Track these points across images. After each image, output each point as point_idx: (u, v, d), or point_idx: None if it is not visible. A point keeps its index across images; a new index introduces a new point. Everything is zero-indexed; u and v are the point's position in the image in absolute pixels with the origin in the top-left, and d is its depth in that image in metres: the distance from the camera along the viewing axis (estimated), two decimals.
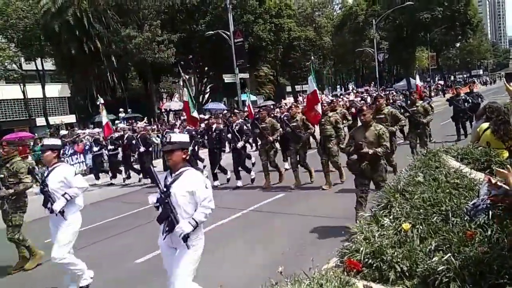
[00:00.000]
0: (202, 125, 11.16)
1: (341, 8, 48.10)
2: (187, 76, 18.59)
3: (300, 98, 31.63)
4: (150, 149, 12.13)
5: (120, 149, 12.32)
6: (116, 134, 12.80)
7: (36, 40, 28.01)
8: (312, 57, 9.72)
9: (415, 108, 8.68)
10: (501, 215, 2.37)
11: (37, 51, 28.84)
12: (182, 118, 22.84)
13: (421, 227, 2.44)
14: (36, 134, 23.66)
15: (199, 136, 10.65)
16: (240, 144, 9.22)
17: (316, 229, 5.95)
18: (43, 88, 31.33)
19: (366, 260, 2.19)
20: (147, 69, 27.07)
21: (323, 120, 8.16)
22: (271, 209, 7.42)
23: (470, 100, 12.17)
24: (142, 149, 11.12)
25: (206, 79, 34.30)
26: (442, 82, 52.50)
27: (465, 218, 2.45)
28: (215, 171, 9.74)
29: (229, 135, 9.53)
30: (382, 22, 39.66)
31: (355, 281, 2.00)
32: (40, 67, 31.03)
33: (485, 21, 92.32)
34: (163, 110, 31.69)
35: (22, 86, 30.33)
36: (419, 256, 2.17)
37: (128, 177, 12.06)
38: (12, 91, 32.31)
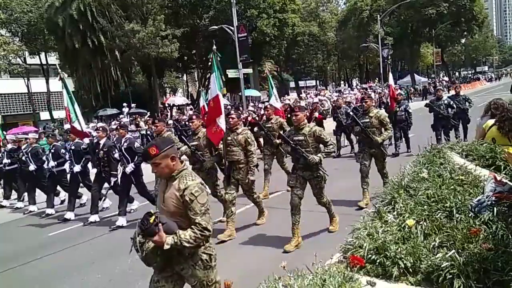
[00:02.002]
0: (86, 140, 8.31)
1: (346, 3, 47.80)
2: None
3: (303, 94, 31.59)
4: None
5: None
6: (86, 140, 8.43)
7: (40, 34, 28.10)
8: (214, 46, 6.26)
9: (368, 120, 6.59)
10: (506, 212, 2.36)
11: (41, 45, 28.94)
12: (188, 112, 22.86)
13: (425, 223, 2.43)
14: (40, 128, 23.77)
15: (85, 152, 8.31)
16: (129, 168, 7.09)
17: (319, 225, 5.96)
18: (47, 82, 31.43)
19: (370, 256, 2.18)
20: (151, 63, 27.06)
21: (229, 138, 5.89)
22: (273, 204, 7.43)
23: (454, 105, 10.11)
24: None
25: (209, 74, 34.21)
26: (446, 79, 52.24)
27: (470, 215, 2.44)
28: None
29: (117, 154, 7.44)
30: (386, 18, 39.39)
31: (359, 277, 2.00)
32: (44, 61, 31.10)
33: (491, 17, 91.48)
34: (166, 105, 31.70)
35: (26, 80, 30.44)
36: (423, 252, 2.16)
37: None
38: (16, 85, 32.44)
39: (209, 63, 30.26)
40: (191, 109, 25.01)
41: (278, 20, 30.40)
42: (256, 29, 29.07)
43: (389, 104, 11.35)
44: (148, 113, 22.68)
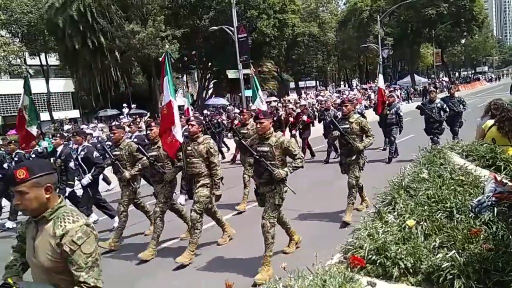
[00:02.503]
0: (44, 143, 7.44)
1: (346, 3, 47.84)
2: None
3: (304, 95, 31.61)
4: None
5: None
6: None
7: (40, 35, 28.14)
8: (167, 45, 5.58)
9: (348, 126, 6.10)
10: (506, 212, 2.37)
11: (41, 46, 28.96)
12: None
13: (425, 223, 2.43)
14: (39, 129, 23.75)
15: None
16: (85, 180, 6.57)
17: (319, 225, 5.96)
18: (47, 83, 31.45)
19: (370, 256, 2.18)
20: (151, 64, 27.08)
21: (189, 149, 5.19)
22: None
23: (447, 109, 9.48)
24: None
25: (209, 74, 34.27)
26: (446, 79, 52.26)
27: (470, 215, 2.44)
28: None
29: (72, 164, 6.86)
30: (386, 18, 39.41)
31: (359, 277, 2.00)
32: (44, 62, 31.13)
33: (490, 18, 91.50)
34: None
35: None
36: (423, 252, 2.16)
37: None
38: (17, 86, 32.45)
39: (181, 65, 30.15)
40: (191, 109, 24.99)
41: (278, 21, 30.43)
42: (256, 30, 29.10)
43: (378, 107, 10.80)
44: (148, 114, 22.69)
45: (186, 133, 7.42)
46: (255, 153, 4.49)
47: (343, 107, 6.35)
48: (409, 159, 3.88)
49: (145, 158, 5.81)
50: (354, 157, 6.05)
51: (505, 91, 27.76)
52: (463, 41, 53.05)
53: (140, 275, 5.00)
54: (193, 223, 5.09)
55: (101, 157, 7.05)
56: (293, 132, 12.04)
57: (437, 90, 40.56)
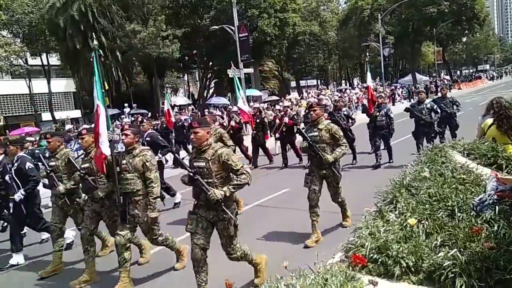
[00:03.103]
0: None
1: (346, 2, 47.76)
2: None
3: (305, 94, 31.59)
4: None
5: None
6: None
7: (41, 35, 28.17)
8: (95, 42, 4.95)
9: (317, 133, 5.26)
10: (508, 210, 2.36)
11: (42, 46, 29.00)
12: (189, 112, 22.89)
13: (427, 222, 2.43)
14: (42, 129, 23.83)
15: None
16: (17, 196, 5.66)
17: (321, 224, 5.96)
18: (48, 83, 31.50)
19: (372, 255, 2.19)
20: (152, 64, 27.11)
21: (123, 162, 4.47)
22: (275, 204, 7.43)
23: (438, 110, 8.88)
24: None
25: (210, 74, 34.27)
26: (448, 77, 52.16)
27: (472, 214, 2.44)
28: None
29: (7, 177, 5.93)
30: (387, 17, 39.34)
31: (360, 276, 2.00)
32: (45, 62, 31.18)
33: (492, 16, 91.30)
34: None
35: (27, 81, 30.53)
36: (425, 251, 2.16)
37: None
38: (18, 86, 32.52)
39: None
40: (192, 109, 25.02)
41: (279, 20, 30.40)
42: (257, 29, 29.08)
43: (368, 107, 10.09)
44: (149, 114, 22.72)
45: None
46: (190, 170, 3.74)
47: (311, 112, 5.40)
48: (406, 162, 3.72)
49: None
50: (328, 171, 5.29)
51: (507, 89, 27.71)
52: (464, 39, 53.01)
53: (140, 275, 5.01)
54: (118, 251, 4.44)
55: (35, 168, 5.98)
56: (277, 135, 11.57)
57: (438, 89, 40.92)
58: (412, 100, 33.64)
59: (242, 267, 4.72)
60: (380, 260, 2.15)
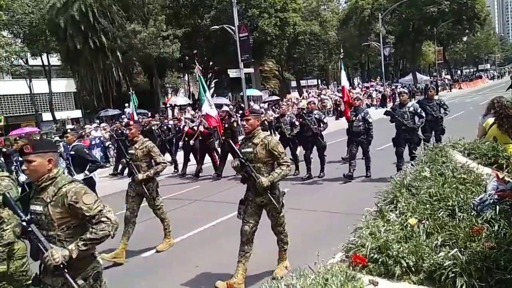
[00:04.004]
0: None
1: (347, 2, 47.74)
2: None
3: (305, 93, 31.59)
4: None
5: None
6: None
7: (41, 35, 28.18)
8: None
9: (251, 149, 4.12)
10: (509, 210, 2.36)
11: (43, 46, 29.02)
12: (188, 112, 22.86)
13: (427, 222, 2.43)
14: (42, 129, 23.84)
15: None
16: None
17: (321, 224, 5.96)
18: (49, 83, 31.53)
19: (372, 255, 2.19)
20: (152, 64, 27.10)
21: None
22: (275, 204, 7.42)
23: (423, 113, 7.93)
24: None
25: (211, 74, 34.27)
26: (448, 77, 52.11)
27: (472, 213, 2.44)
28: None
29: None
30: (388, 16, 39.31)
31: (361, 276, 2.00)
32: (46, 62, 31.21)
33: (492, 15, 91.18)
34: (168, 105, 31.76)
35: (28, 81, 30.55)
36: (425, 251, 2.16)
37: None
38: (19, 86, 32.56)
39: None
40: (193, 109, 25.00)
41: (279, 20, 30.38)
42: (257, 29, 29.06)
43: (344, 111, 9.00)
44: (150, 114, 22.71)
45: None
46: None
47: (244, 122, 4.17)
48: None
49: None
50: (265, 197, 4.08)
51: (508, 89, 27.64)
52: (465, 38, 52.93)
53: (140, 274, 5.01)
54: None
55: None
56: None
57: (439, 88, 40.91)
58: (413, 99, 33.67)
59: None
60: (380, 260, 2.15)
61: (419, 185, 2.93)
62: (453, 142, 4.12)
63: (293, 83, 48.96)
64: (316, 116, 8.95)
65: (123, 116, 21.92)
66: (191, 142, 10.66)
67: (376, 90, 32.40)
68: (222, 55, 28.23)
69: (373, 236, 2.33)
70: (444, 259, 2.03)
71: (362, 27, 40.83)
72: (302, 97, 30.67)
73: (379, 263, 2.15)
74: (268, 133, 5.11)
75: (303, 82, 48.09)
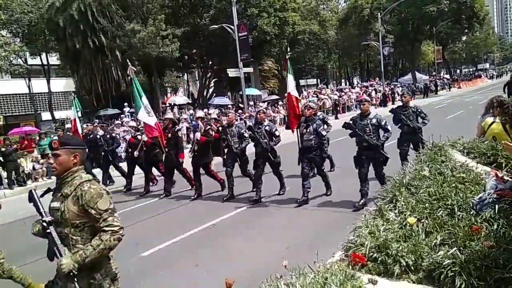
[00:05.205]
0: None
1: (346, 1, 47.75)
2: None
3: (304, 93, 31.58)
4: None
5: None
6: None
7: (40, 34, 28.15)
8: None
9: (54, 203, 2.57)
10: (508, 209, 2.37)
11: (42, 46, 28.99)
12: (188, 112, 22.89)
13: (426, 221, 2.43)
14: (41, 129, 23.83)
15: None
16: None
17: (321, 223, 5.96)
18: (48, 82, 31.49)
19: (371, 254, 2.19)
20: (151, 63, 27.08)
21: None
22: (275, 203, 7.43)
23: (389, 127, 6.45)
24: None
25: (210, 73, 34.26)
26: (448, 76, 52.16)
27: (471, 212, 2.44)
28: None
29: None
30: (387, 16, 39.31)
31: (360, 275, 2.00)
32: (45, 62, 31.19)
33: (491, 14, 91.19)
34: (167, 105, 31.76)
35: (27, 81, 30.52)
36: (425, 250, 2.17)
37: None
38: (18, 86, 32.52)
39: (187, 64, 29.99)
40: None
41: (279, 19, 30.37)
42: (256, 28, 29.05)
43: (290, 123, 7.73)
44: (97, 119, 22.59)
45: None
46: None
47: (51, 160, 2.61)
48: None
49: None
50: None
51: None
52: (464, 38, 52.98)
53: (140, 274, 5.01)
54: None
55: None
56: (190, 154, 8.81)
57: (439, 88, 40.98)
58: (413, 99, 33.64)
59: (242, 267, 4.72)
60: (379, 259, 2.15)
61: (418, 184, 2.94)
62: (452, 141, 4.13)
63: None
64: (267, 128, 7.63)
65: (122, 116, 21.91)
66: (135, 153, 9.42)
67: (375, 90, 32.42)
68: (222, 54, 28.23)
69: (372, 235, 2.33)
70: (443, 258, 2.04)
71: (361, 27, 40.84)
72: (301, 96, 30.68)
73: (378, 262, 2.15)
74: (89, 177, 2.62)
75: (302, 82, 48.11)
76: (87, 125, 11.73)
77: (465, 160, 3.39)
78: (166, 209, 7.82)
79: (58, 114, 32.70)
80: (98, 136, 10.69)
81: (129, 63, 9.93)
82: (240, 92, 25.37)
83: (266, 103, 26.52)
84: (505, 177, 2.60)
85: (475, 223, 2.29)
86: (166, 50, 24.62)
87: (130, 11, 25.77)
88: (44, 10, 25.98)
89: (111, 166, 10.86)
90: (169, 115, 11.15)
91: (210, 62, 32.76)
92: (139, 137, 9.57)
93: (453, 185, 2.83)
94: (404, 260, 2.11)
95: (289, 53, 8.44)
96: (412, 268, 2.11)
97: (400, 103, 8.10)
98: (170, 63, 29.84)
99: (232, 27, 21.33)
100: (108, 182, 10.71)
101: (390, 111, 7.82)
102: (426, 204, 2.61)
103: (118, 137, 11.56)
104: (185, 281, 4.67)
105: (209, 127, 8.75)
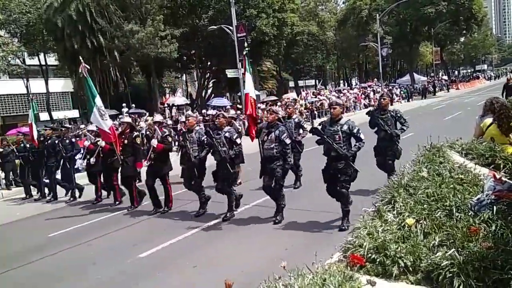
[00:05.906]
0: None
1: (345, 2, 47.84)
2: None
3: (303, 93, 31.62)
4: None
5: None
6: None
7: (39, 35, 28.12)
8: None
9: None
10: (506, 210, 2.37)
11: (40, 46, 28.96)
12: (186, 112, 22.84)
13: (425, 222, 2.43)
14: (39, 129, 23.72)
15: None
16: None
17: (319, 224, 5.96)
18: (46, 83, 31.45)
19: (370, 255, 2.19)
20: (150, 64, 27.07)
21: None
22: (274, 204, 7.42)
23: (361, 135, 5.47)
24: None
25: (208, 74, 34.26)
26: (446, 77, 52.30)
27: (470, 214, 2.44)
28: None
29: None
30: (386, 17, 39.41)
31: (359, 276, 2.00)
32: (43, 62, 31.15)
33: (489, 16, 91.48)
34: (166, 105, 31.74)
35: (25, 81, 30.47)
36: (423, 251, 2.17)
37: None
38: (16, 86, 32.47)
39: (209, 64, 30.05)
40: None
41: (277, 20, 30.41)
42: (255, 29, 29.08)
43: (249, 128, 6.94)
44: (147, 114, 22.68)
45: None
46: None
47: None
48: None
49: None
50: None
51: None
52: (462, 39, 53.16)
53: (140, 275, 5.00)
54: None
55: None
56: (145, 162, 7.99)
57: (437, 89, 41.08)
58: (411, 100, 33.69)
59: (240, 268, 4.71)
60: (378, 260, 2.15)
61: (416, 185, 2.93)
62: (450, 142, 4.13)
63: (291, 83, 49.03)
64: (227, 135, 6.73)
65: (120, 116, 21.87)
66: (92, 160, 8.79)
67: (374, 91, 32.48)
68: (220, 55, 28.24)
69: (370, 236, 2.33)
70: (442, 259, 2.04)
71: (359, 28, 40.92)
72: (299, 97, 30.72)
73: (377, 263, 2.15)
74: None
75: (301, 83, 48.18)
76: (44, 130, 10.91)
77: (464, 161, 3.39)
78: (162, 211, 7.79)
79: (56, 115, 32.71)
80: (56, 142, 9.76)
81: (81, 60, 8.91)
82: (239, 93, 25.36)
83: (265, 104, 26.52)
84: (503, 178, 2.60)
85: (473, 224, 2.29)
86: (164, 50, 24.61)
87: (128, 11, 25.76)
88: (42, 10, 25.94)
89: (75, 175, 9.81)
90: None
91: (209, 63, 32.77)
92: (98, 143, 8.68)
93: (451, 186, 2.83)
94: (403, 261, 2.11)
95: (247, 49, 7.60)
96: (411, 269, 2.11)
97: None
98: (169, 64, 29.85)
99: (230, 28, 21.34)
100: (49, 193, 10.03)
101: (366, 113, 7.16)
102: (425, 205, 2.60)
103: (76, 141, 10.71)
104: (183, 283, 4.66)
105: (167, 133, 7.84)
